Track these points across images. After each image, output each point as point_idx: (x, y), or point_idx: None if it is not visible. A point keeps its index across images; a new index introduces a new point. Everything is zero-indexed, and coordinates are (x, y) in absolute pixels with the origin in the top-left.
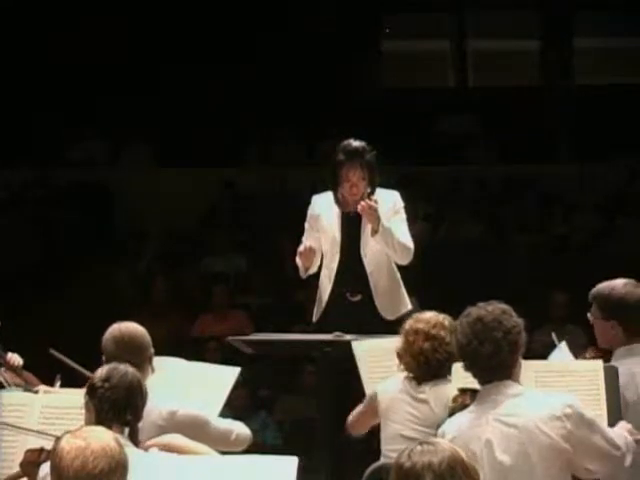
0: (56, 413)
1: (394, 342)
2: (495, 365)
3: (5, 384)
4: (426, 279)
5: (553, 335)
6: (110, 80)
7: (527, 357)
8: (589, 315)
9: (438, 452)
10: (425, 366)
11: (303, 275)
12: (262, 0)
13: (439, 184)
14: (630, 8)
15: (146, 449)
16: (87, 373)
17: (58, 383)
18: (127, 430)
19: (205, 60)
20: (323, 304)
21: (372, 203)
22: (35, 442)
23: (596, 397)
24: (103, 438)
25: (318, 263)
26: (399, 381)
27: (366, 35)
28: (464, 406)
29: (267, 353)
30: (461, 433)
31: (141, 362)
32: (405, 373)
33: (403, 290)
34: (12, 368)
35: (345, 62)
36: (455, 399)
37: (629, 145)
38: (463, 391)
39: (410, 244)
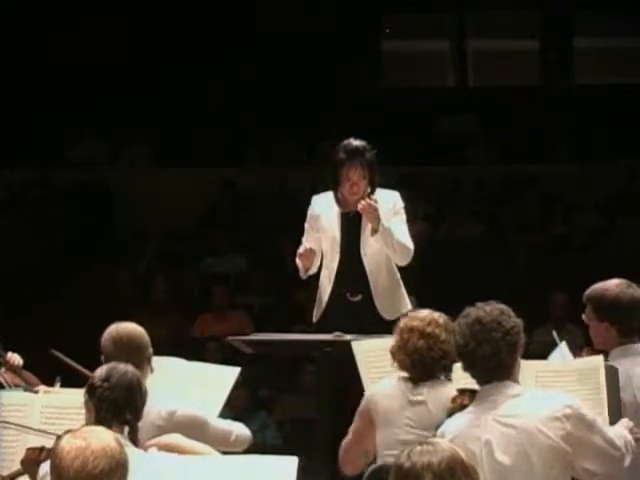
0: (56, 413)
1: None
2: (494, 366)
3: (5, 384)
4: (426, 279)
5: (554, 333)
6: (110, 80)
7: (527, 357)
8: (584, 317)
9: (438, 452)
10: (419, 364)
11: (303, 276)
12: (262, 0)
13: (439, 184)
14: (630, 8)
15: (146, 449)
16: (88, 373)
17: (58, 384)
18: (127, 429)
19: (205, 60)
20: (323, 304)
21: (372, 202)
22: (35, 441)
23: (597, 396)
24: (103, 438)
25: (318, 263)
26: (393, 383)
27: (366, 35)
28: (463, 406)
29: (267, 353)
30: (460, 433)
31: (140, 362)
32: (398, 374)
33: (403, 290)
34: (12, 368)
35: (345, 62)
36: (454, 400)
37: (629, 145)
38: (462, 392)
39: (410, 245)
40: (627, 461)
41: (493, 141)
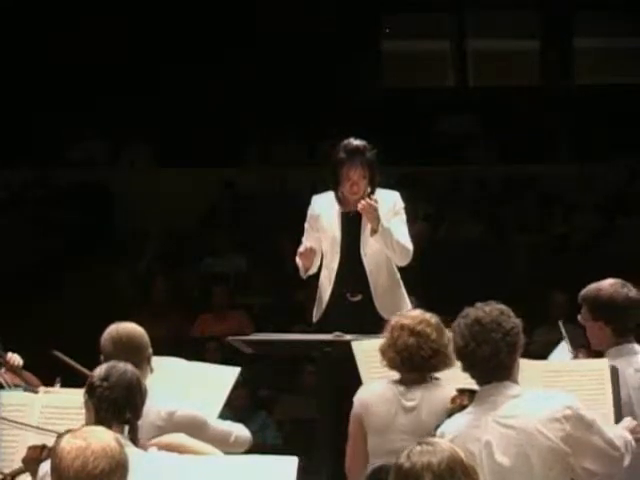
0: (56, 413)
1: None
2: (493, 366)
3: (5, 384)
4: (426, 279)
5: (560, 324)
6: (110, 80)
7: (527, 357)
8: (579, 317)
9: (437, 452)
10: (408, 362)
11: (303, 275)
12: (262, 0)
13: (439, 184)
14: (630, 8)
15: (146, 449)
16: (90, 374)
17: (58, 385)
18: (127, 429)
19: (205, 60)
20: (323, 304)
21: (372, 202)
22: (36, 440)
23: (602, 396)
24: (104, 438)
25: (318, 263)
26: (385, 386)
27: (366, 35)
28: (462, 407)
29: (267, 353)
30: (460, 434)
31: (139, 362)
32: (389, 378)
33: (403, 290)
34: (12, 368)
35: (345, 62)
36: (454, 400)
37: (629, 145)
38: (461, 392)
39: (409, 245)
40: (627, 461)
41: (493, 141)
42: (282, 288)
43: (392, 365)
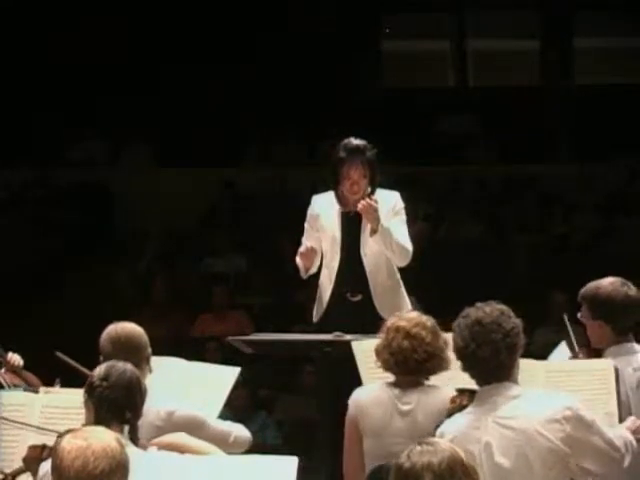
0: (56, 413)
1: None
2: (494, 367)
3: (5, 384)
4: (426, 279)
5: (564, 317)
6: (110, 80)
7: (527, 357)
8: (579, 315)
9: (437, 452)
10: (402, 365)
11: (304, 275)
12: (262, 0)
13: (439, 184)
14: (630, 8)
15: (145, 449)
16: (91, 374)
17: (57, 386)
18: (127, 428)
19: (205, 60)
20: (324, 304)
21: (372, 203)
22: (36, 439)
23: (607, 396)
24: (104, 438)
25: (318, 263)
26: (379, 390)
27: (366, 35)
28: (462, 407)
29: (267, 353)
30: (460, 434)
31: (139, 362)
32: (383, 380)
33: (403, 290)
34: (12, 368)
35: (345, 62)
36: (453, 400)
37: (629, 145)
38: (461, 392)
39: (409, 246)
40: (627, 461)
41: (493, 141)
42: (282, 288)
43: (386, 366)
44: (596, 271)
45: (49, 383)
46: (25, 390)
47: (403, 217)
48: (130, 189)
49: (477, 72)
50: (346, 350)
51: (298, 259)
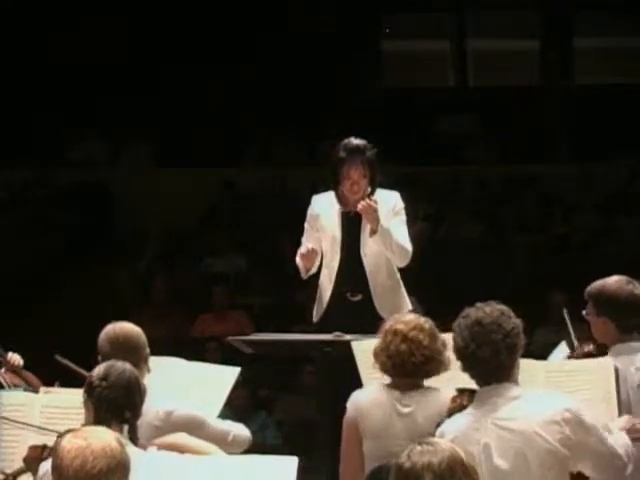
0: (56, 413)
1: None
2: (494, 368)
3: (5, 384)
4: (426, 279)
5: (564, 312)
6: (110, 80)
7: (527, 357)
8: (584, 313)
9: (438, 452)
10: (400, 367)
11: (304, 276)
12: (262, 0)
13: (439, 184)
14: (630, 8)
15: (145, 448)
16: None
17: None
18: (126, 428)
19: (205, 60)
20: (324, 304)
21: (372, 203)
22: (36, 439)
23: (607, 396)
24: (104, 438)
25: (318, 263)
26: (378, 392)
27: (366, 35)
28: (462, 407)
29: (267, 353)
30: (461, 434)
31: (137, 362)
32: (381, 382)
33: (403, 290)
34: (12, 368)
35: (345, 62)
36: (454, 399)
37: (629, 145)
38: (461, 392)
39: (408, 246)
40: (629, 470)
41: (493, 141)
42: (282, 288)
43: (383, 369)
44: (596, 271)
45: (49, 384)
46: (25, 390)
47: (403, 217)
48: (130, 189)
49: (477, 72)
50: (346, 350)
51: (298, 260)
